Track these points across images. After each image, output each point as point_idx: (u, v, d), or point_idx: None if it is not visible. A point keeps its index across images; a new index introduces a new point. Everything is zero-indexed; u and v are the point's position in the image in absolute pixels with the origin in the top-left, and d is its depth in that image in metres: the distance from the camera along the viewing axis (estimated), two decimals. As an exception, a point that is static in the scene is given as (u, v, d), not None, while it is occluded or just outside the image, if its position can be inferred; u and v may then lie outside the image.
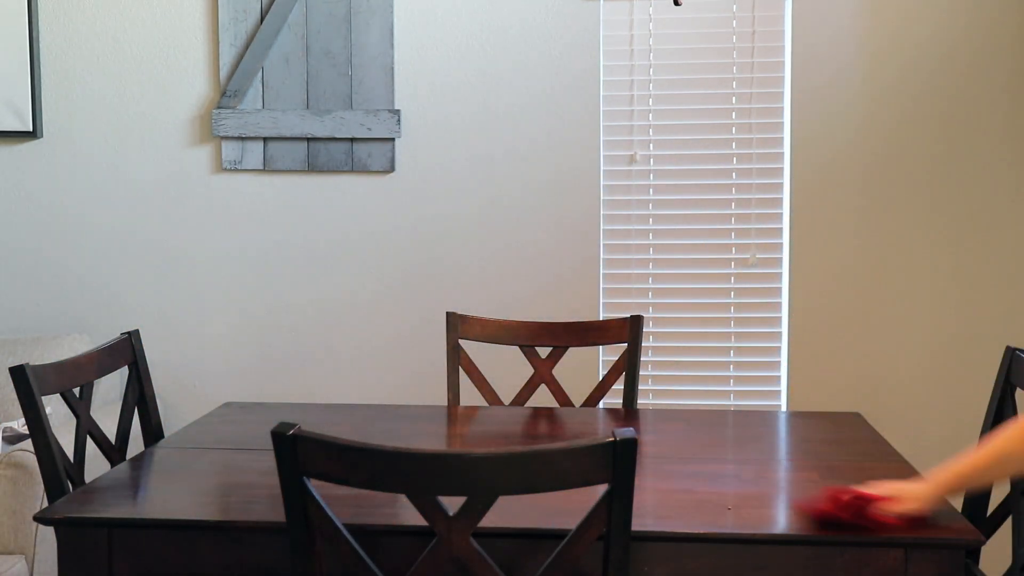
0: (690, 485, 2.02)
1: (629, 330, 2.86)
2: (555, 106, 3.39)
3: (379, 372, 3.47)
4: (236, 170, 3.47)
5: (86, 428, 2.30)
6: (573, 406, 2.87)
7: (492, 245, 3.43)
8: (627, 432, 1.52)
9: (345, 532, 1.57)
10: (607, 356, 3.39)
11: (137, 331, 2.59)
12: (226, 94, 3.42)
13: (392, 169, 3.43)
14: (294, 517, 1.57)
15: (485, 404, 2.90)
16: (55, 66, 3.50)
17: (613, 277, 3.43)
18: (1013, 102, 3.26)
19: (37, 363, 2.21)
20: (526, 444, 2.42)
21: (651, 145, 3.40)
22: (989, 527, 2.25)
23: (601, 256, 3.42)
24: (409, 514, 1.70)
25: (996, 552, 2.43)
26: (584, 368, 3.32)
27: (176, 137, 3.49)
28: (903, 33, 3.29)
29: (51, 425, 2.17)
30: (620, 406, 2.89)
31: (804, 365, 3.36)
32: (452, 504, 1.53)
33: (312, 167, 3.44)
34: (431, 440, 2.43)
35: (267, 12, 3.40)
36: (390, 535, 1.80)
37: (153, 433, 2.55)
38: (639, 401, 3.10)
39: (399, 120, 3.39)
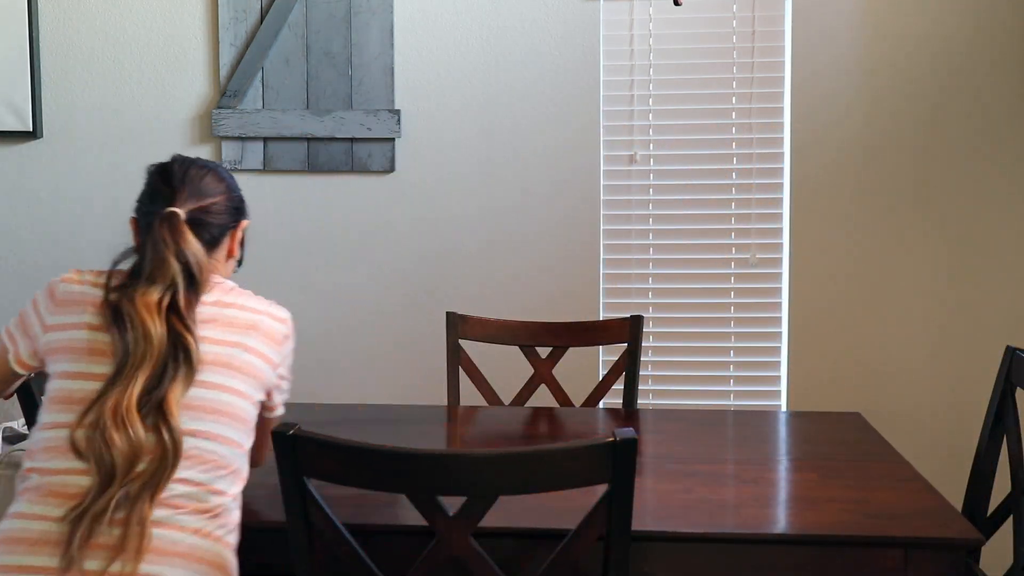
0: (690, 485, 2.02)
1: (629, 330, 2.86)
2: (555, 106, 3.39)
3: (379, 372, 3.47)
4: (236, 170, 3.47)
5: (86, 428, 2.30)
6: (573, 406, 2.87)
7: (492, 245, 3.43)
8: (627, 432, 1.52)
9: (345, 532, 1.57)
10: (607, 356, 3.39)
11: (137, 331, 2.59)
12: (226, 94, 3.42)
13: (392, 169, 3.42)
14: (294, 517, 1.57)
15: (485, 404, 2.90)
16: (55, 66, 3.50)
17: (613, 277, 3.43)
18: (1013, 102, 3.26)
19: (37, 363, 2.21)
20: (526, 444, 2.42)
21: (651, 145, 3.39)
22: (989, 527, 2.25)
23: (601, 256, 3.41)
24: (409, 514, 1.70)
25: (997, 552, 2.43)
26: (584, 368, 3.32)
27: (176, 137, 3.49)
28: (903, 33, 3.28)
29: (51, 425, 2.16)
30: (620, 406, 2.89)
31: (804, 365, 3.36)
32: (452, 504, 1.53)
33: (312, 167, 3.44)
34: (431, 440, 2.43)
35: (267, 12, 3.40)
36: (390, 535, 1.80)
37: (153, 433, 2.55)
38: (639, 401, 3.10)
39: (399, 120, 3.39)
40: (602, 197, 3.40)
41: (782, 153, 3.35)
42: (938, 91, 3.29)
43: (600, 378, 3.11)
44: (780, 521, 1.90)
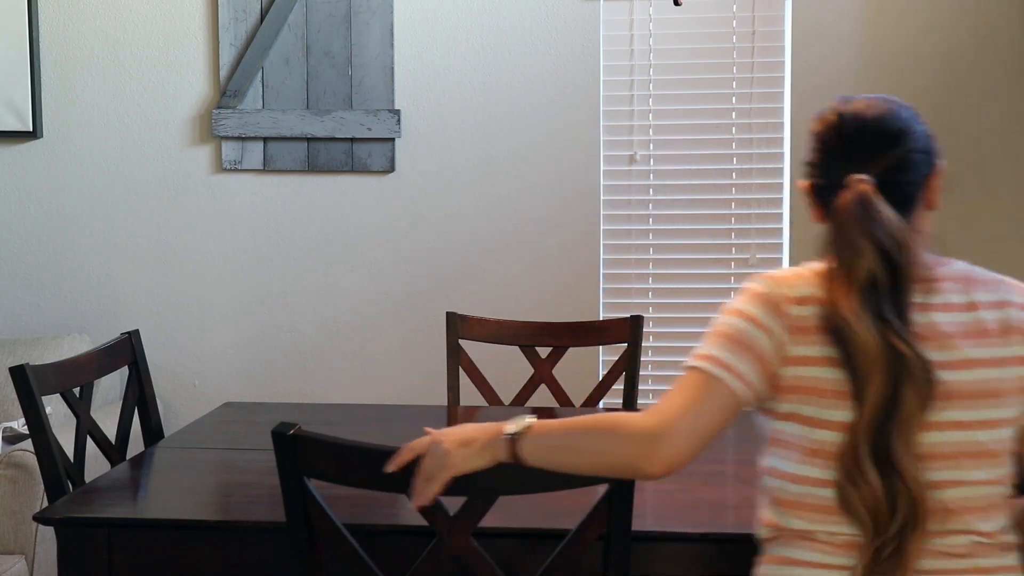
0: (690, 485, 2.02)
1: (629, 330, 2.85)
2: (555, 106, 3.39)
3: (379, 372, 3.47)
4: (236, 170, 3.47)
5: (86, 428, 2.30)
6: (573, 406, 2.87)
7: (492, 245, 3.43)
8: (627, 432, 1.51)
9: (345, 532, 1.57)
10: (607, 356, 3.39)
11: (137, 331, 2.59)
12: (226, 94, 3.42)
13: (392, 169, 3.42)
14: (294, 517, 1.57)
15: (485, 404, 2.89)
16: (55, 66, 3.50)
17: (613, 277, 3.43)
18: (1013, 101, 3.26)
19: (37, 363, 2.21)
20: (526, 444, 2.42)
21: (651, 145, 3.39)
22: (989, 527, 2.25)
23: (601, 256, 3.41)
24: (409, 514, 1.69)
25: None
26: (584, 368, 3.32)
27: (176, 137, 3.49)
28: (903, 33, 3.28)
29: (51, 425, 2.16)
30: (620, 406, 2.89)
31: (804, 365, 3.35)
32: (452, 504, 1.53)
33: (312, 167, 3.44)
34: (431, 440, 2.43)
35: (267, 12, 3.40)
36: (390, 535, 1.80)
37: (153, 433, 2.55)
38: (639, 401, 3.09)
39: (399, 120, 3.39)
40: (602, 197, 3.40)
41: (782, 153, 3.35)
42: (938, 90, 3.28)
43: (600, 378, 3.10)
44: (780, 521, 1.89)
